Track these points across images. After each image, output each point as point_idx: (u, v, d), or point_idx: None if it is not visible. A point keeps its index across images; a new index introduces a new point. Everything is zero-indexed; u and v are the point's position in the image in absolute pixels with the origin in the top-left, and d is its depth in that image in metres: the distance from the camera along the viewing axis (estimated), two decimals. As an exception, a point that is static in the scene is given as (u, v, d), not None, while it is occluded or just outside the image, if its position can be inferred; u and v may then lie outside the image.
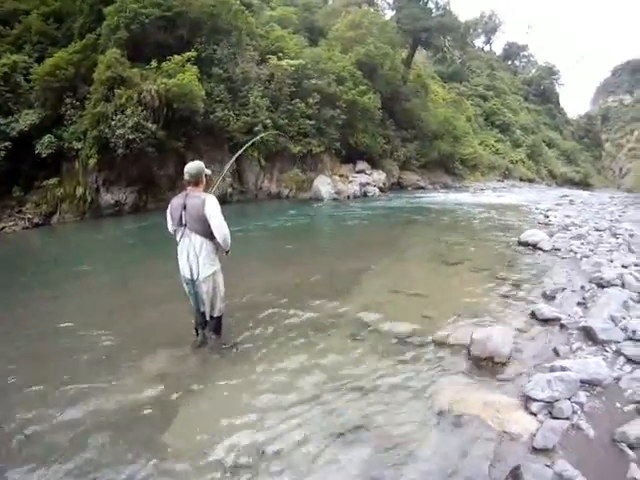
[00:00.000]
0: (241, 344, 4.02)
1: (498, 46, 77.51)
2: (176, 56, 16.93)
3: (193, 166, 3.69)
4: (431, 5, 32.96)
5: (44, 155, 15.78)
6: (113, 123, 15.24)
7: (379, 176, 21.62)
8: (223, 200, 16.92)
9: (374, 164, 22.72)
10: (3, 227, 14.92)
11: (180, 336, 4.19)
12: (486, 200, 18.52)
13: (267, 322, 4.51)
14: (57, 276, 8.12)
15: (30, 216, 15.66)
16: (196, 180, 3.67)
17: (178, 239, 3.68)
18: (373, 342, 3.92)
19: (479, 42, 66.71)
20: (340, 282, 6.01)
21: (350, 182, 20.02)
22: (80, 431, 2.91)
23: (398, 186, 24.13)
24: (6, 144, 15.24)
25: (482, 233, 9.71)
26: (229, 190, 17.64)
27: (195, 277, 3.65)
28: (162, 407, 3.14)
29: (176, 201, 3.69)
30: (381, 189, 21.06)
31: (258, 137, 5.07)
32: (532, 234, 7.99)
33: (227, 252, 3.75)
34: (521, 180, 37.25)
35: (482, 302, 4.83)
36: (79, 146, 16.15)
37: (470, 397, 2.94)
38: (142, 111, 15.58)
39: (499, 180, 33.64)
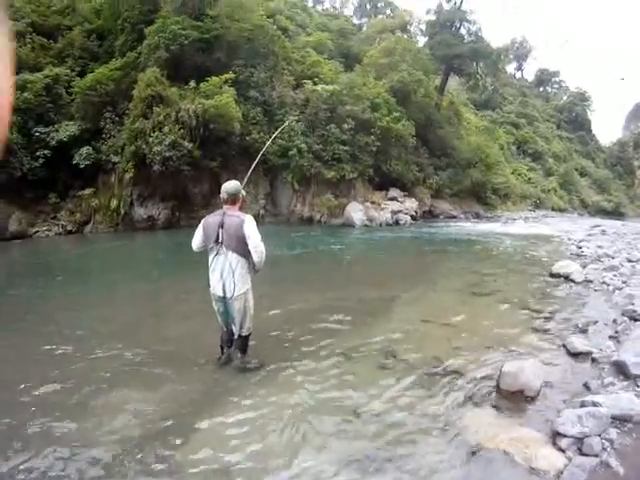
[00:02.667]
0: (266, 366, 3.94)
1: (530, 72, 77.26)
2: (214, 77, 17.27)
3: (231, 185, 3.73)
4: (463, 32, 32.99)
5: (82, 166, 16.24)
6: (151, 140, 15.58)
7: (411, 204, 21.35)
8: (255, 221, 17.18)
9: (406, 192, 22.48)
10: (37, 231, 15.32)
11: (204, 353, 4.18)
12: (518, 230, 18.20)
13: (293, 346, 4.47)
14: (87, 282, 8.30)
15: (64, 223, 16.09)
16: (233, 199, 3.72)
17: (212, 257, 3.69)
18: (401, 372, 3.84)
19: (510, 68, 66.44)
20: (370, 309, 5.94)
21: (382, 209, 19.84)
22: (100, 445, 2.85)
23: (430, 215, 23.79)
24: (45, 152, 15.78)
25: (514, 264, 9.58)
26: (261, 212, 17.69)
27: (228, 295, 3.65)
28: (182, 424, 3.08)
29: (212, 219, 3.71)
30: (413, 217, 20.78)
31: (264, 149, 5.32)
32: (564, 265, 7.86)
33: (257, 271, 3.75)
34: (553, 210, 36.40)
35: (513, 334, 4.77)
36: (116, 160, 16.56)
37: (498, 431, 2.87)
38: (179, 130, 15.88)
39: (531, 210, 32.89)
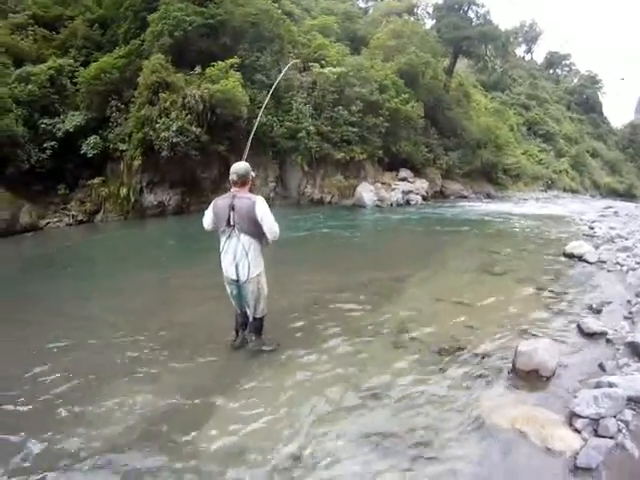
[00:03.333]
0: (282, 347, 3.97)
1: (539, 55, 75.83)
2: (219, 62, 17.09)
3: (241, 167, 3.66)
4: (471, 14, 32.41)
5: (90, 155, 16.21)
6: (157, 126, 15.49)
7: (422, 184, 21.13)
8: (265, 201, 17.17)
9: (417, 172, 22.27)
10: (48, 222, 15.31)
11: (217, 337, 4.22)
12: (530, 211, 18.06)
13: (308, 327, 4.49)
14: (97, 272, 8.36)
15: (74, 213, 16.05)
16: (243, 181, 3.65)
17: (224, 239, 3.66)
18: (415, 351, 3.87)
19: (520, 51, 65.25)
20: (383, 289, 5.95)
21: (393, 190, 19.64)
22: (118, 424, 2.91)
23: (441, 195, 23.56)
24: (52, 144, 15.73)
25: (526, 244, 9.56)
26: (271, 195, 17.59)
27: (242, 277, 3.63)
28: (198, 406, 3.11)
29: (222, 202, 3.67)
30: (424, 197, 20.57)
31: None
32: (577, 246, 7.84)
33: (267, 245, 3.74)
34: (564, 191, 35.96)
35: (527, 314, 4.74)
36: (124, 147, 16.47)
37: (514, 411, 2.88)
38: (186, 115, 15.76)
39: (542, 190, 32.52)
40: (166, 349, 4.07)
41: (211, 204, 3.75)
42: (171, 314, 5.20)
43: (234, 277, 3.65)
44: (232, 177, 3.64)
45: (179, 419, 2.98)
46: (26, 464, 2.59)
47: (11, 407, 3.20)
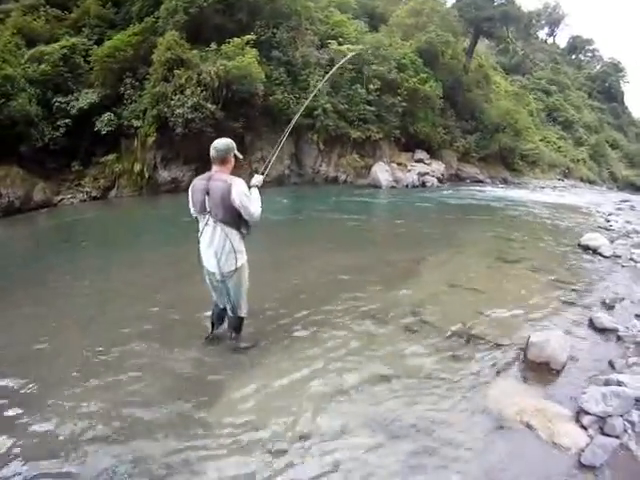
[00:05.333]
0: (293, 326, 3.97)
1: (562, 39, 73.71)
2: (235, 39, 16.82)
3: (222, 142, 3.21)
4: (494, -7, 31.49)
5: (104, 132, 16.15)
6: (172, 103, 15.40)
7: (438, 166, 20.85)
8: (280, 181, 17.33)
9: (433, 154, 21.97)
10: (62, 199, 15.38)
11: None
12: (546, 199, 17.86)
13: (318, 307, 4.41)
14: (110, 247, 8.35)
15: (88, 189, 16.07)
16: (222, 159, 3.20)
17: (201, 227, 3.27)
18: (427, 336, 3.84)
19: (542, 34, 63.47)
20: (396, 272, 5.92)
21: (409, 171, 19.43)
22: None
23: (456, 178, 23.22)
24: (66, 121, 15.72)
25: (542, 232, 9.51)
26: (286, 172, 17.51)
27: (224, 270, 3.26)
28: (208, 385, 3.10)
29: (198, 182, 3.24)
30: (439, 180, 20.32)
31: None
32: (593, 238, 7.79)
33: (248, 233, 3.36)
34: (581, 180, 35.21)
35: (539, 304, 4.71)
36: (138, 124, 16.41)
37: (522, 402, 2.87)
38: (201, 92, 15.62)
39: (559, 179, 31.84)
40: (178, 325, 4.09)
41: (191, 185, 3.33)
42: (182, 289, 5.19)
43: (214, 269, 3.28)
44: (211, 152, 3.20)
45: (189, 396, 2.98)
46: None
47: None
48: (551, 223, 10.89)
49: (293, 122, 4.25)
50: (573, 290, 5.23)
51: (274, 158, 3.87)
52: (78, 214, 13.41)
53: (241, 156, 3.35)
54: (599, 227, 10.17)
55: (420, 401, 2.90)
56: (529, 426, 2.64)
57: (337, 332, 3.88)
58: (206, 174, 3.25)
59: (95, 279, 5.91)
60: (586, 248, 7.47)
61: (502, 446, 2.51)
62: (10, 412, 2.78)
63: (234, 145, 3.27)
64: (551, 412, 2.77)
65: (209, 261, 3.30)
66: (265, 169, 3.66)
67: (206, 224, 3.23)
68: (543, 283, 5.49)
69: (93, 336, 3.88)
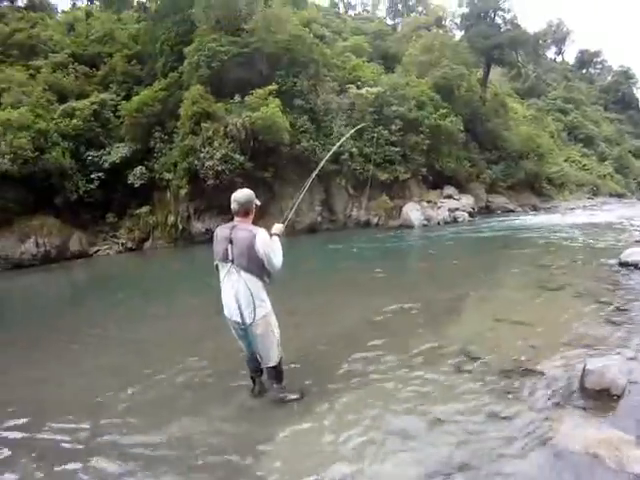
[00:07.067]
0: (339, 374, 3.88)
1: (570, 55, 74.11)
2: (258, 90, 17.33)
3: (242, 194, 3.24)
4: (499, 21, 32.01)
5: (137, 185, 16.74)
6: (202, 155, 15.86)
7: (467, 200, 20.78)
8: (312, 229, 17.38)
9: (461, 188, 21.97)
10: (97, 250, 15.86)
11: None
12: (578, 220, 17.67)
13: (364, 352, 4.33)
14: (147, 297, 8.54)
15: (124, 241, 16.59)
16: (245, 210, 3.22)
17: (222, 276, 3.25)
18: (479, 374, 3.69)
19: (550, 53, 64.00)
20: (440, 311, 5.81)
21: (439, 208, 19.38)
22: None
23: (487, 210, 23.11)
24: (99, 174, 16.40)
25: (579, 255, 9.38)
26: (318, 219, 17.64)
27: (247, 320, 3.20)
28: (252, 440, 3.01)
29: (221, 232, 3.24)
30: (470, 214, 20.18)
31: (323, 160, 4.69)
32: (632, 253, 7.50)
33: (269, 281, 3.33)
34: (610, 195, 34.74)
35: (589, 329, 4.54)
36: (169, 177, 16.93)
37: (586, 433, 2.73)
38: (229, 143, 16.06)
39: (589, 198, 31.42)
40: (215, 378, 4.08)
41: (214, 235, 3.33)
42: (219, 342, 5.02)
43: (238, 319, 3.21)
44: (233, 206, 3.21)
45: (237, 447, 2.96)
46: None
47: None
48: (587, 244, 10.71)
49: (316, 171, 4.31)
50: (620, 310, 5.05)
51: (295, 206, 3.95)
52: (114, 265, 13.69)
53: (259, 203, 3.38)
54: (636, 241, 9.99)
55: (479, 441, 2.78)
56: (596, 456, 2.51)
57: (387, 377, 3.76)
58: (229, 223, 3.26)
59: (132, 329, 6.12)
60: (627, 265, 7.16)
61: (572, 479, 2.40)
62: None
63: (254, 195, 3.31)
64: (617, 439, 2.63)
65: (232, 310, 3.23)
66: (285, 219, 3.67)
67: (228, 272, 3.20)
68: (590, 307, 5.30)
69: (131, 386, 4.04)
